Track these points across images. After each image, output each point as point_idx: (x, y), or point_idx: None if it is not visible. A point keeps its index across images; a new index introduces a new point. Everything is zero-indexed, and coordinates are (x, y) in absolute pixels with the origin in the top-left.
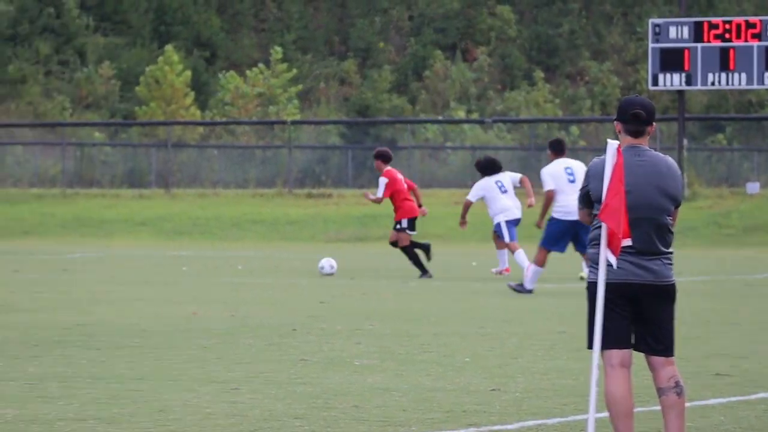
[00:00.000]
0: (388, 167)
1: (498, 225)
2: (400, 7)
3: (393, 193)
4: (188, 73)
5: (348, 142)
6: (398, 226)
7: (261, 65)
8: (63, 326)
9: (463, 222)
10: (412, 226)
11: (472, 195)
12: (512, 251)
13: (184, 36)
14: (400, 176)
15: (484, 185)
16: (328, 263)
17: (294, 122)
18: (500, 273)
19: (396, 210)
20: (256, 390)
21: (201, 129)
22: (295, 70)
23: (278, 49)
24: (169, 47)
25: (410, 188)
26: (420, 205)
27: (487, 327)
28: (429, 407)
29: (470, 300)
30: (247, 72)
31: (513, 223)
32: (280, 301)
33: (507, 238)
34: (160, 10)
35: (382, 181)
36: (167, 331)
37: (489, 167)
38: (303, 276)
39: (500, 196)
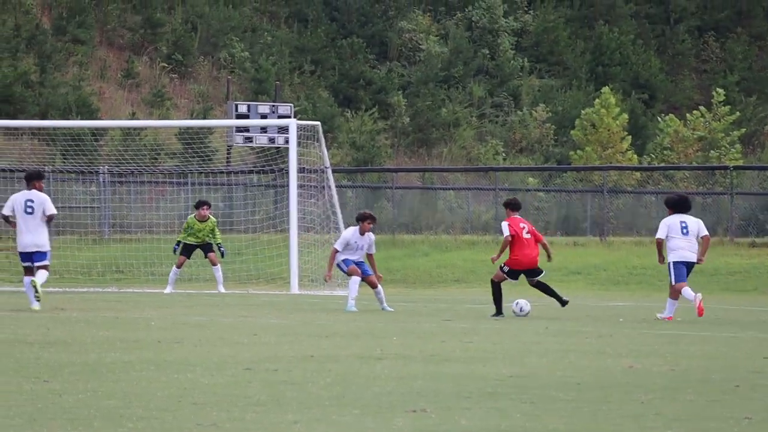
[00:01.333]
0: None
1: (669, 264)
2: None
3: None
4: (625, 116)
5: None
6: None
7: (702, 108)
8: (495, 378)
9: (660, 259)
10: None
11: (660, 232)
12: (677, 291)
13: (622, 77)
14: None
15: (669, 222)
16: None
17: (736, 168)
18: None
19: None
20: None
21: (638, 174)
22: (738, 113)
23: (720, 91)
24: (606, 89)
25: None
26: None
27: None
28: None
29: None
30: (687, 115)
31: (683, 265)
32: (722, 355)
33: (674, 280)
34: (597, 51)
35: None
36: (603, 385)
37: (677, 205)
38: (747, 328)
39: (679, 236)
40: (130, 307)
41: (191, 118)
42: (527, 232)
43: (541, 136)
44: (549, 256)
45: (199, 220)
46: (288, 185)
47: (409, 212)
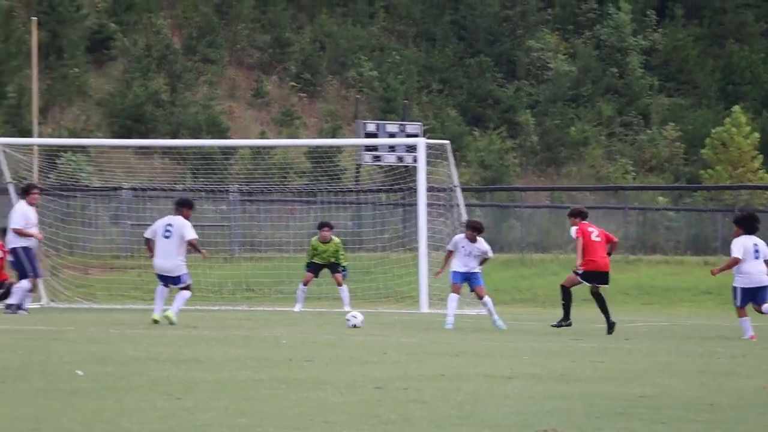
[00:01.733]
0: None
1: (734, 288)
2: None
3: None
4: (756, 134)
5: None
6: None
7: None
8: (626, 398)
9: (718, 271)
10: None
11: (738, 252)
12: (741, 317)
13: (753, 96)
14: None
15: (744, 244)
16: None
17: None
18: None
19: None
20: None
21: None
22: None
23: None
24: (736, 108)
25: None
26: None
27: None
28: None
29: None
30: None
31: (753, 290)
32: None
33: (739, 302)
34: (728, 69)
35: None
36: (737, 406)
37: (745, 223)
38: None
39: (751, 260)
40: (260, 325)
41: (320, 137)
42: (597, 236)
43: (670, 155)
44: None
45: (321, 242)
46: (417, 204)
47: (537, 231)
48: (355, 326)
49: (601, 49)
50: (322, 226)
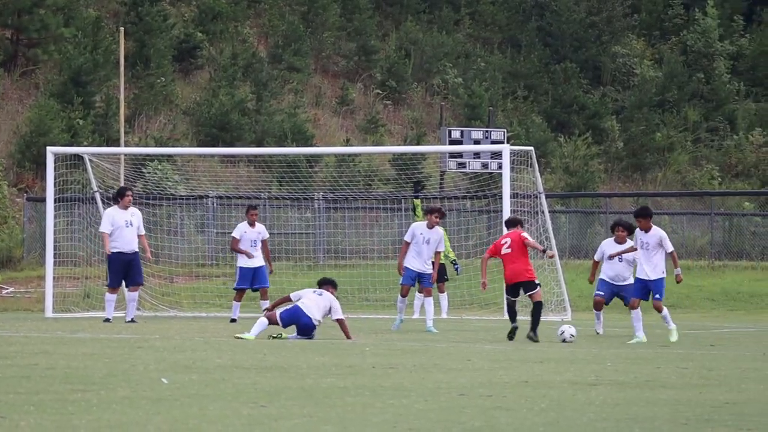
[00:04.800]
0: None
1: None
2: None
3: None
4: None
5: None
6: None
7: None
8: (712, 404)
9: None
10: None
11: None
12: None
13: None
14: None
15: None
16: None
17: None
18: None
19: None
20: None
21: None
22: None
23: None
24: None
25: None
26: None
27: None
28: None
29: None
30: None
31: None
32: None
33: None
34: None
35: None
36: None
37: None
38: None
39: None
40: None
41: (405, 144)
42: (508, 247)
43: (757, 161)
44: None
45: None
46: (501, 211)
47: None
48: (564, 341)
49: (687, 54)
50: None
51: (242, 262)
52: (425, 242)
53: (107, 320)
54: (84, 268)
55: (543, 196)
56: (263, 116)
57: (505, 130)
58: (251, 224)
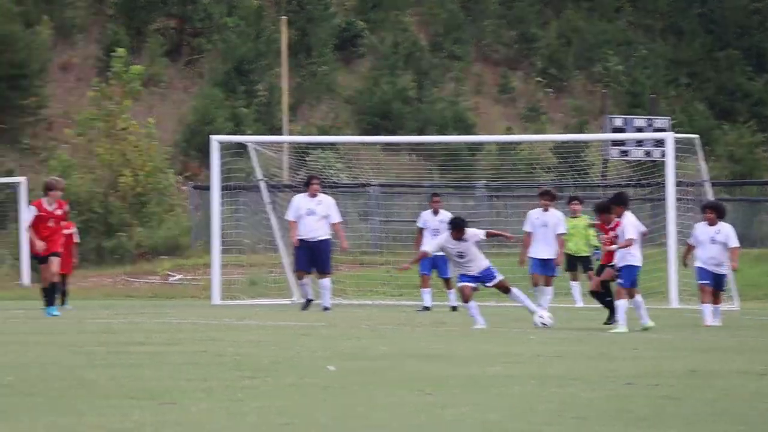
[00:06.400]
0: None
1: None
2: None
3: None
4: None
5: None
6: None
7: None
8: None
9: None
10: None
11: None
12: None
13: None
14: None
15: None
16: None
17: None
18: None
19: None
20: None
21: None
22: None
23: None
24: None
25: None
26: None
27: None
28: None
29: None
30: None
31: None
32: None
33: None
34: None
35: None
36: None
37: None
38: None
39: None
40: (507, 321)
41: (566, 132)
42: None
43: None
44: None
45: (571, 217)
46: (665, 199)
47: None
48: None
49: None
50: (572, 200)
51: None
52: (543, 225)
53: (308, 301)
54: (249, 255)
55: (707, 184)
56: (425, 104)
57: (669, 118)
58: (435, 212)
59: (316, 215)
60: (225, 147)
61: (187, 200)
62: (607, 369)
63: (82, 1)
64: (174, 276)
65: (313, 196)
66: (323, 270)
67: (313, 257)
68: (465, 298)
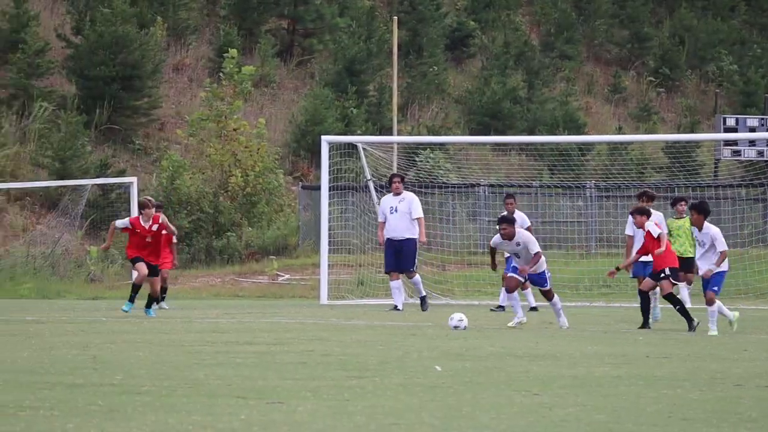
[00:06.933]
0: None
1: None
2: None
3: None
4: None
5: None
6: None
7: None
8: None
9: None
10: None
11: None
12: None
13: None
14: None
15: None
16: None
17: None
18: None
19: None
20: None
21: None
22: None
23: None
24: None
25: None
26: None
27: None
28: None
29: None
30: None
31: None
32: None
33: None
34: None
35: None
36: None
37: None
38: None
39: None
40: (616, 321)
41: (678, 132)
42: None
43: None
44: None
45: (676, 218)
46: None
47: None
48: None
49: None
50: (678, 200)
51: None
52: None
53: (395, 308)
54: (358, 255)
55: None
56: (535, 104)
57: None
58: (509, 214)
59: (398, 213)
60: (335, 147)
61: (296, 200)
62: (716, 370)
63: (196, 3)
64: (282, 276)
65: (397, 194)
66: (406, 269)
67: (398, 257)
68: (510, 289)
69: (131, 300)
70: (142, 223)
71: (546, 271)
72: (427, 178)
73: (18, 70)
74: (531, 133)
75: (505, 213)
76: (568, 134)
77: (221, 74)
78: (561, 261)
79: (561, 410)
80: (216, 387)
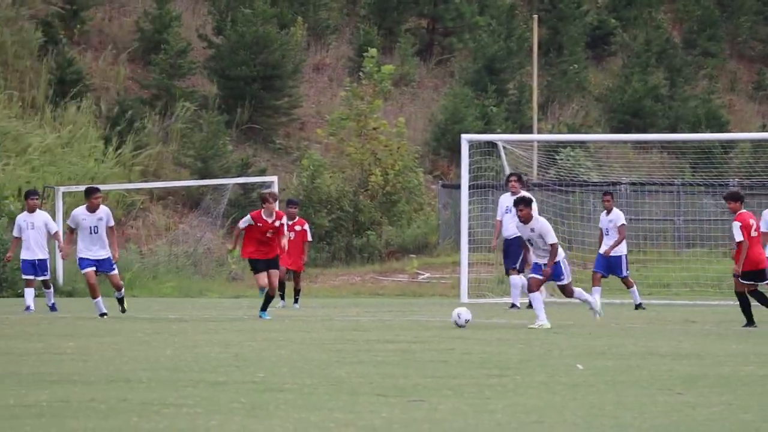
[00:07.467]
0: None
1: None
2: None
3: None
4: None
5: None
6: None
7: None
8: None
9: None
10: None
11: None
12: None
13: None
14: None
15: None
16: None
17: None
18: None
19: None
20: None
21: None
22: None
23: None
24: None
25: None
26: None
27: None
28: None
29: None
30: None
31: None
32: None
33: None
34: None
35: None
36: None
37: None
38: None
39: None
40: (760, 321)
41: None
42: (755, 230)
43: None
44: None
45: None
46: None
47: None
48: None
49: None
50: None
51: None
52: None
53: (513, 306)
54: (498, 254)
55: None
56: (677, 102)
57: None
58: (607, 212)
59: (510, 213)
60: (475, 146)
61: (436, 199)
62: None
63: (336, 2)
64: (422, 274)
65: (514, 194)
66: (509, 266)
67: (508, 254)
68: (531, 288)
69: (264, 309)
70: (264, 217)
71: (565, 264)
72: (567, 176)
73: (160, 71)
74: (672, 131)
75: (524, 193)
76: (711, 132)
77: (361, 73)
78: (704, 259)
79: (705, 409)
80: (357, 385)
